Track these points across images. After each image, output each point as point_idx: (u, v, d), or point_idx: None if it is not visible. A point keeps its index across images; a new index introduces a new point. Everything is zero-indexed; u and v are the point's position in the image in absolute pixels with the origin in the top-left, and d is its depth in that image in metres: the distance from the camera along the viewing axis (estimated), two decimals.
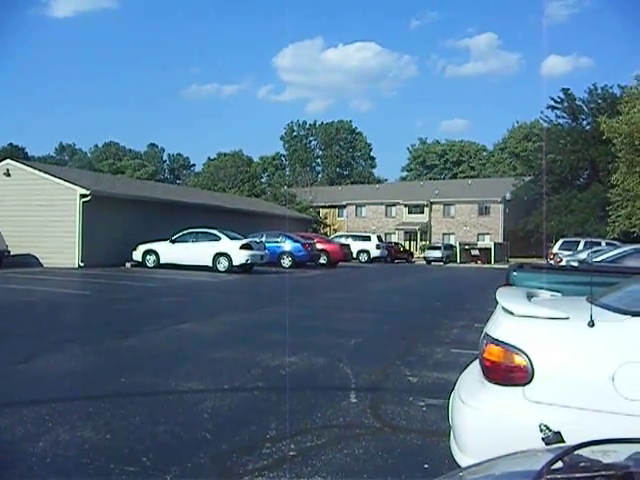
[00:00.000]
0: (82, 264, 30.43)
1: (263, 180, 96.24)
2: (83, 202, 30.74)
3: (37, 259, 31.12)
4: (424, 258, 59.98)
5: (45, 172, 33.29)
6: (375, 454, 5.50)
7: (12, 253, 29.90)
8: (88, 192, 30.87)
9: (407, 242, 76.57)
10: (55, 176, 32.58)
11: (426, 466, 5.25)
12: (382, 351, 10.58)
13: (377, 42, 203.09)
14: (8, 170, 32.79)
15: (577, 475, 1.67)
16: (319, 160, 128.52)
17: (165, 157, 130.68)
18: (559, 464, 1.73)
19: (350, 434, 6.07)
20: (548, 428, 2.44)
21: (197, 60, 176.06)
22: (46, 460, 5.18)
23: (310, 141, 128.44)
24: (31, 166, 35.23)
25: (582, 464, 1.74)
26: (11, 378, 8.16)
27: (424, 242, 75.55)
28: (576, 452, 1.79)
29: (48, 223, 30.91)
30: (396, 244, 62.41)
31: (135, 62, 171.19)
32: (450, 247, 62.47)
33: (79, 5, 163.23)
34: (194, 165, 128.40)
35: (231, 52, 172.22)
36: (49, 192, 31.43)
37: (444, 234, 78.62)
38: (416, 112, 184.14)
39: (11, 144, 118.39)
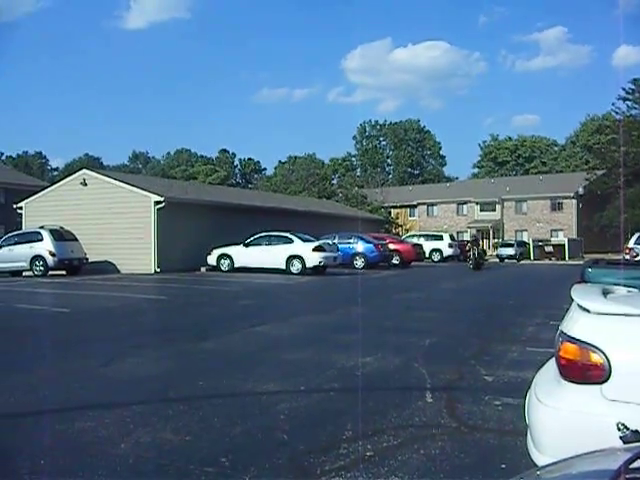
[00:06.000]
0: (158, 269, 30.92)
1: (334, 182, 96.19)
2: (157, 209, 31.26)
3: (114, 265, 31.75)
4: (497, 256, 59.30)
5: (120, 180, 33.99)
6: (452, 454, 5.48)
7: (90, 260, 30.59)
8: (162, 199, 31.37)
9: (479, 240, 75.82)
10: (129, 184, 33.22)
11: (503, 466, 5.20)
12: (456, 350, 10.51)
13: (446, 40, 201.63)
14: (84, 180, 33.54)
15: None
16: (389, 160, 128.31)
17: (236, 162, 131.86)
18: (637, 463, 1.72)
19: (426, 434, 6.05)
20: (626, 427, 2.42)
21: (267, 65, 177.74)
22: (128, 461, 5.31)
23: (380, 141, 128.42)
24: (106, 175, 36.03)
25: None
26: (93, 381, 8.36)
27: (497, 240, 74.71)
28: None
29: (124, 230, 31.51)
30: (468, 242, 61.84)
31: (206, 69, 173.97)
32: (523, 244, 61.63)
33: (152, 16, 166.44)
34: (265, 169, 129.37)
35: (301, 56, 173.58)
36: (124, 200, 32.05)
37: (516, 231, 77.63)
38: (486, 109, 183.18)
39: (87, 154, 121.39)
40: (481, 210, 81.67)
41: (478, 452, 5.58)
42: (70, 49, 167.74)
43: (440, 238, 51.53)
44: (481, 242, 43.26)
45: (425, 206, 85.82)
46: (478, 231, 78.27)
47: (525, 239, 68.13)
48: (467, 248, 44.34)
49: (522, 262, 54.59)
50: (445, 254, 49.60)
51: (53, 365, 9.41)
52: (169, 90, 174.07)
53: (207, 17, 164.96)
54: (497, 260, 57.25)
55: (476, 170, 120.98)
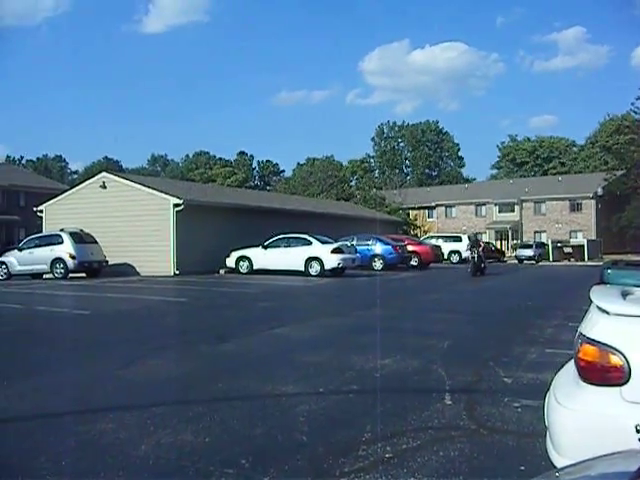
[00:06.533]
0: (177, 272, 31.02)
1: (352, 183, 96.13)
2: (176, 211, 31.36)
3: (133, 268, 31.89)
4: (516, 257, 59.12)
5: (139, 183, 34.16)
6: (471, 456, 5.48)
7: (110, 263, 30.76)
8: (181, 201, 31.47)
9: (498, 241, 75.62)
10: (149, 187, 33.36)
11: (522, 468, 5.20)
12: (475, 352, 10.50)
13: (463, 41, 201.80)
14: (104, 182, 33.75)
15: None
16: (407, 161, 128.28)
17: (255, 164, 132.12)
18: None
19: (445, 436, 6.06)
20: None
21: (285, 68, 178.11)
22: (149, 462, 5.35)
23: (399, 143, 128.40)
24: (125, 178, 36.25)
25: None
26: (113, 383, 8.43)
27: (515, 241, 74.47)
28: None
29: (143, 233, 31.64)
30: (487, 243, 61.73)
31: (224, 72, 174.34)
32: (542, 245, 61.38)
33: (170, 20, 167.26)
34: (283, 171, 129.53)
35: (319, 58, 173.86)
36: (143, 202, 32.19)
37: (535, 232, 77.36)
38: (504, 109, 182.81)
39: (106, 157, 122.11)
40: (500, 211, 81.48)
41: (497, 454, 5.59)
42: (89, 53, 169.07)
43: (459, 240, 51.37)
44: (482, 242, 36.40)
45: (443, 207, 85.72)
46: (497, 232, 78.14)
47: (544, 240, 67.86)
48: (466, 250, 39.39)
49: (541, 263, 54.37)
50: (464, 256, 49.30)
51: (74, 367, 9.50)
52: (188, 93, 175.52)
53: (225, 20, 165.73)
54: (516, 261, 57.09)
55: (494, 171, 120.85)
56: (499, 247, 67.66)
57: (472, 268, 31.68)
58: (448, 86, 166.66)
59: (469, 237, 39.56)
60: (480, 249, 32.61)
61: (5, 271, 30.55)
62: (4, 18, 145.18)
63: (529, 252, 57.85)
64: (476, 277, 30.63)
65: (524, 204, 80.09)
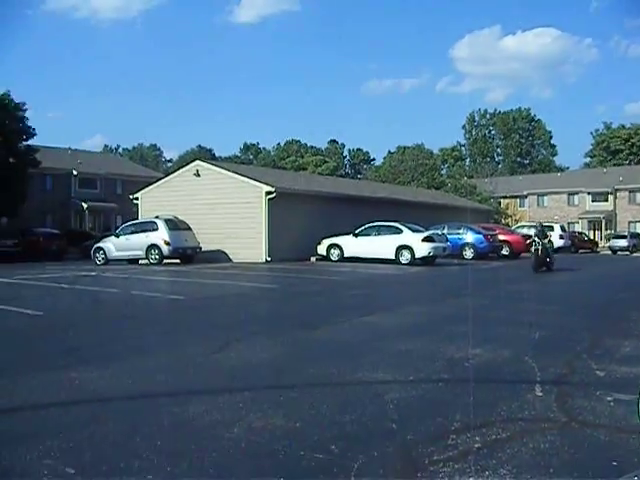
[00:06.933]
0: (269, 259, 31.44)
1: (443, 172, 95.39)
2: (268, 199, 31.76)
3: (226, 254, 32.44)
4: (609, 248, 57.85)
5: (232, 171, 34.70)
6: (561, 449, 5.41)
7: (203, 249, 31.35)
8: (273, 189, 31.85)
9: (591, 231, 74.07)
10: (241, 175, 33.85)
11: (615, 463, 5.11)
12: (567, 344, 10.35)
13: (556, 27, 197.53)
14: (198, 171, 34.38)
15: None
16: (499, 150, 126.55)
17: (345, 152, 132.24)
18: None
19: (536, 428, 6.00)
20: None
21: (376, 56, 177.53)
22: (241, 444, 5.46)
23: (490, 131, 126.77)
24: (218, 166, 36.87)
25: None
26: (207, 367, 8.62)
27: (609, 231, 72.77)
28: None
29: (236, 220, 32.15)
30: (580, 233, 60.62)
31: (315, 61, 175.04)
32: (637, 236, 59.86)
33: (261, 10, 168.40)
34: (374, 159, 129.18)
35: (409, 46, 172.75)
36: (236, 190, 32.69)
37: (630, 222, 75.41)
38: (598, 96, 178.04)
39: (199, 146, 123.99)
40: (593, 200, 79.72)
41: (588, 448, 5.50)
42: (182, 44, 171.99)
43: (551, 229, 50.42)
44: (550, 234, 29.52)
45: (535, 196, 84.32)
46: (590, 222, 76.37)
47: (639, 231, 66.09)
48: (528, 242, 31.86)
49: (635, 254, 52.98)
50: (556, 245, 48.45)
51: (169, 350, 9.77)
52: (279, 82, 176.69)
53: (315, 9, 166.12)
54: (609, 252, 55.87)
55: (588, 159, 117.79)
56: (592, 237, 66.27)
57: (534, 262, 26.58)
58: (540, 73, 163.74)
59: (535, 226, 33.93)
60: (546, 240, 27.45)
61: (103, 256, 31.51)
62: (101, 12, 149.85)
63: (623, 243, 56.56)
64: (540, 273, 25.97)
65: (618, 193, 78.14)
